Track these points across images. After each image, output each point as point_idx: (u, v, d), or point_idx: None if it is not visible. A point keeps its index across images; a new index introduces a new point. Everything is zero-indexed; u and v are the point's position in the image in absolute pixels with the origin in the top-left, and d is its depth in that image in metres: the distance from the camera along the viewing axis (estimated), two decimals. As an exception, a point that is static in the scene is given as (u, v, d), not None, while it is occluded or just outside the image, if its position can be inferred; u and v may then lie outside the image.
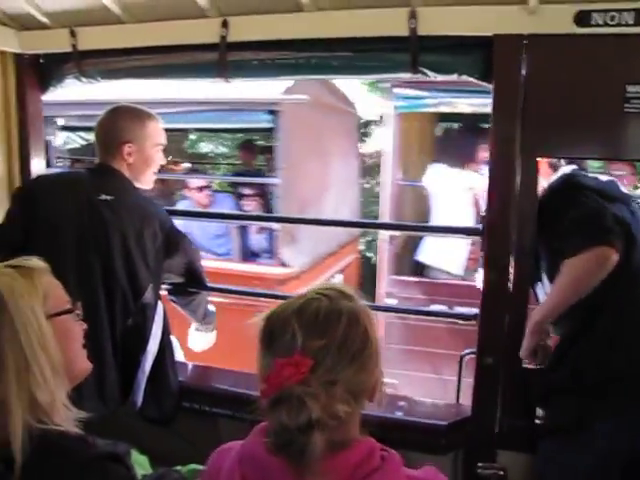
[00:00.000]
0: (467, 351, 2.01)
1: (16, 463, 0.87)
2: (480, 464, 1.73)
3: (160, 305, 1.97)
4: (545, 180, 1.78)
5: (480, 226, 1.79)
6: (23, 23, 2.15)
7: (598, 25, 1.54)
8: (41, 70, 2.27)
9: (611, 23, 1.53)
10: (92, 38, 2.07)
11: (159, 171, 2.02)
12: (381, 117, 9.37)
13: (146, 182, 2.00)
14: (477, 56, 1.72)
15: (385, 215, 4.61)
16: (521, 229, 1.68)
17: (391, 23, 1.72)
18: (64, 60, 2.17)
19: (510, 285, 1.70)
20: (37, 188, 1.95)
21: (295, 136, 4.24)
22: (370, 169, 8.32)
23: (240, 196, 4.64)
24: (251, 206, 4.50)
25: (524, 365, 1.73)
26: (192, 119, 4.59)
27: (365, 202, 7.00)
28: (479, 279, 1.79)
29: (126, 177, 1.93)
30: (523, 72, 1.63)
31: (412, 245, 4.65)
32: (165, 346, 1.97)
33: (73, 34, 2.08)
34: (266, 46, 1.89)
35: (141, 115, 1.96)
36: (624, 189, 1.84)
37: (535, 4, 1.56)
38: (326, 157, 4.99)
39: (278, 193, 4.17)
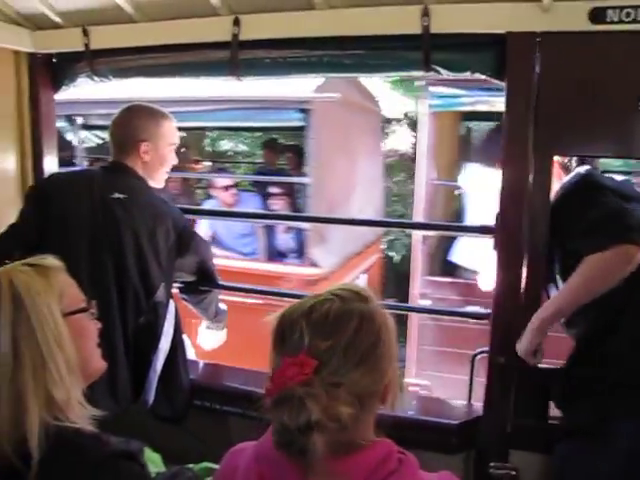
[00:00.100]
0: (479, 350, 2.00)
1: (33, 460, 0.87)
2: (492, 464, 1.72)
3: (172, 303, 1.97)
4: (557, 182, 1.75)
5: (493, 225, 1.78)
6: (36, 23, 2.17)
7: (613, 22, 1.52)
8: (54, 69, 2.29)
9: (626, 20, 1.51)
10: (104, 37, 2.08)
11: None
12: (405, 115, 9.35)
13: (159, 181, 2.01)
14: (490, 54, 1.71)
15: (419, 215, 4.50)
16: (534, 229, 1.67)
17: (404, 21, 1.71)
18: (76, 59, 2.18)
19: (523, 284, 1.69)
20: (50, 187, 1.96)
21: (326, 135, 4.19)
22: (390, 168, 8.29)
23: (267, 195, 4.60)
24: (278, 205, 4.46)
25: (540, 365, 1.72)
26: (220, 117, 4.55)
27: (387, 201, 6.96)
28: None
29: (140, 176, 1.94)
30: (536, 70, 1.62)
31: (446, 245, 4.54)
32: (177, 344, 1.97)
33: (86, 33, 2.09)
34: (278, 44, 1.89)
35: (156, 114, 1.97)
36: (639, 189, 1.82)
37: (549, 1, 1.55)
38: (354, 156, 4.95)
39: (309, 192, 4.10)
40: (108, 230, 1.84)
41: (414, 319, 4.10)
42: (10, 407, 0.92)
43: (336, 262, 4.33)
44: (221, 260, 4.02)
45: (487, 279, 4.14)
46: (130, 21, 2.03)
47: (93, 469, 0.91)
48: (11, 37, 2.16)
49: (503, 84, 1.69)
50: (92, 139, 5.62)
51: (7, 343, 0.94)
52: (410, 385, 4.10)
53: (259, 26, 1.88)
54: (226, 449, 1.01)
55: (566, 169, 1.77)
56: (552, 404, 1.74)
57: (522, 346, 1.66)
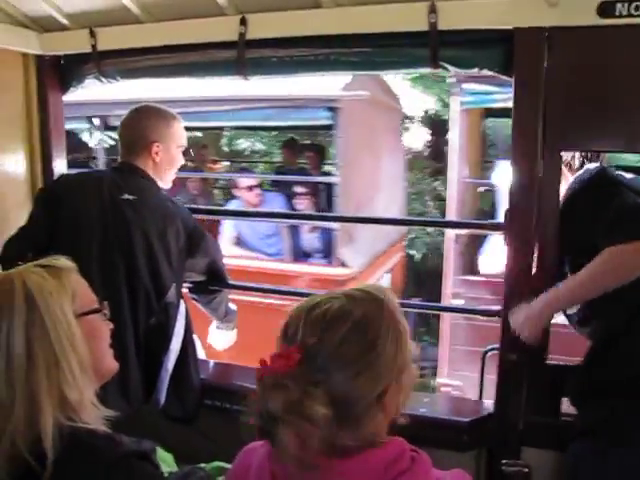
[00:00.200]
0: (490, 347, 1.99)
1: (48, 460, 0.88)
2: (504, 461, 1.71)
3: (183, 304, 1.98)
4: (563, 180, 1.73)
5: (503, 221, 1.77)
6: (44, 25, 2.18)
7: (622, 16, 1.50)
8: (61, 71, 2.30)
9: (635, 13, 1.49)
10: (111, 38, 2.09)
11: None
12: (426, 112, 9.29)
13: (167, 182, 2.02)
14: (498, 50, 1.70)
15: (452, 214, 4.46)
16: (544, 224, 1.66)
17: (411, 18, 1.70)
18: (84, 61, 2.19)
19: (533, 281, 1.68)
20: (60, 189, 1.96)
21: (353, 133, 4.15)
22: (407, 166, 8.26)
23: (291, 195, 4.55)
24: (303, 204, 4.42)
25: (551, 362, 1.71)
26: (246, 116, 4.53)
27: (407, 199, 6.92)
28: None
29: (150, 176, 1.94)
30: (545, 65, 1.61)
31: (477, 244, 4.47)
32: (187, 345, 1.98)
33: (93, 34, 2.10)
34: (285, 43, 1.89)
35: (166, 115, 1.97)
36: None
37: (557, -4, 1.54)
38: (379, 154, 4.93)
39: (336, 191, 4.05)
40: (118, 231, 1.84)
41: (446, 319, 4.05)
42: (24, 407, 0.92)
43: (364, 262, 4.30)
44: (247, 261, 4.03)
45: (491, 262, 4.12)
46: (137, 22, 2.04)
47: (107, 469, 0.91)
48: (19, 39, 2.17)
49: (511, 80, 1.68)
50: (109, 141, 5.65)
51: (21, 344, 0.94)
52: (442, 385, 4.08)
53: (266, 25, 1.88)
54: (237, 448, 1.01)
55: (570, 168, 1.75)
56: (564, 401, 1.73)
57: (525, 333, 1.63)
